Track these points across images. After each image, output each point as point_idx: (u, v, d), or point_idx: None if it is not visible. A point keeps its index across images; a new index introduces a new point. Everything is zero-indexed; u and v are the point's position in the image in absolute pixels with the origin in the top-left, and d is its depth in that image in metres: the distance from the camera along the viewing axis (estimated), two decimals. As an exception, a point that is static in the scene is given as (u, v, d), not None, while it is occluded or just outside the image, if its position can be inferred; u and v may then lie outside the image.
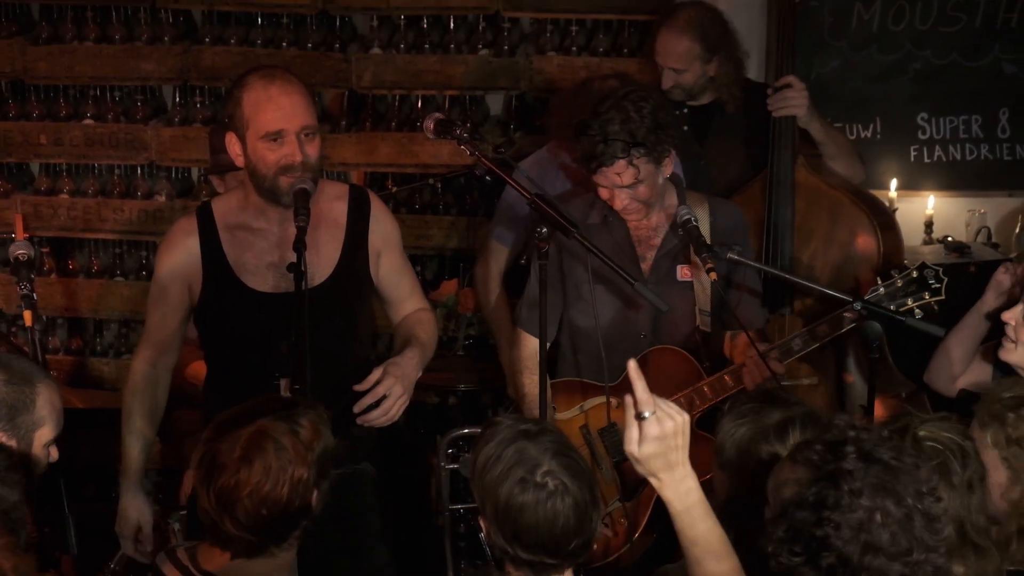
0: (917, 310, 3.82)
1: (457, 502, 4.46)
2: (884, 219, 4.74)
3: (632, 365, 2.55)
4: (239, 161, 3.68)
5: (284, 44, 5.76)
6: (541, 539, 2.70)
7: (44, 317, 5.86)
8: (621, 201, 3.91)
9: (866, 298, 3.84)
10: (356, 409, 3.64)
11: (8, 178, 6.01)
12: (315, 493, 2.92)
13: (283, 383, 3.38)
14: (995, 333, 4.01)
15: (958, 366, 4.01)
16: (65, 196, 5.91)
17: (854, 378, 4.67)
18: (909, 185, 5.53)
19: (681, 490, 2.56)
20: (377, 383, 3.64)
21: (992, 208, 5.48)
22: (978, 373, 4.00)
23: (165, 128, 5.83)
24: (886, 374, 4.41)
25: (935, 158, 5.59)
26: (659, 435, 2.50)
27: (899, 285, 3.84)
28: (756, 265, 4.11)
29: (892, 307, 3.82)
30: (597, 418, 4.07)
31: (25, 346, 4.92)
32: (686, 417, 2.56)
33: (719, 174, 4.81)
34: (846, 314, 3.90)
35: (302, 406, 2.98)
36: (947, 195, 5.55)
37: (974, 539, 2.78)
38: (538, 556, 2.70)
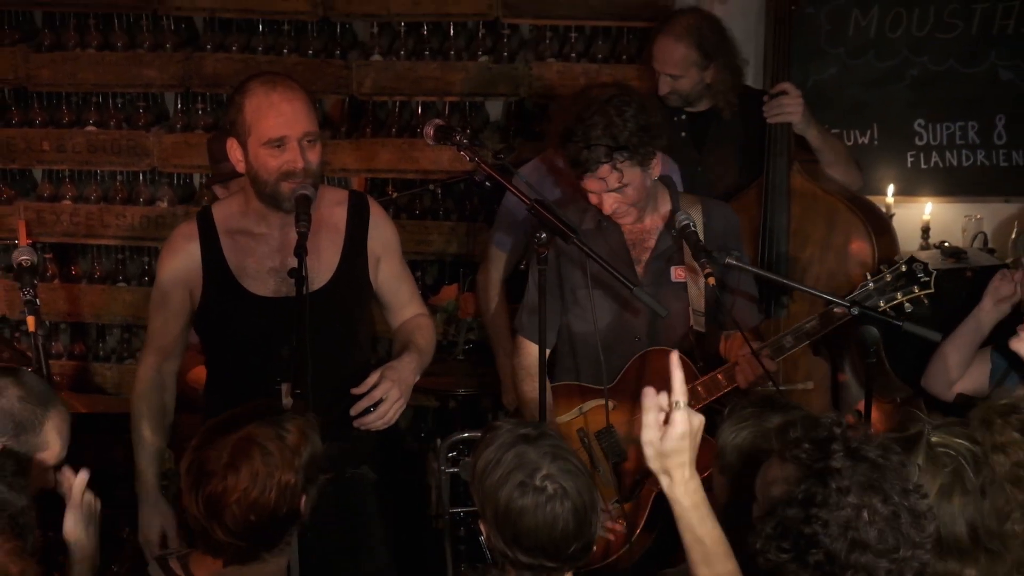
0: (907, 304, 3.82)
1: (457, 505, 4.46)
2: (879, 224, 4.75)
3: (674, 356, 2.62)
4: (240, 167, 3.68)
5: (285, 51, 5.76)
6: (541, 542, 2.70)
7: (47, 322, 5.86)
8: (609, 205, 3.92)
9: (855, 293, 3.85)
10: (353, 412, 3.65)
11: (11, 184, 6.02)
12: (304, 498, 2.92)
13: (284, 387, 3.38)
14: (992, 338, 4.03)
15: (955, 371, 4.02)
16: (68, 202, 5.92)
17: (848, 378, 4.67)
18: (906, 191, 5.54)
19: (690, 488, 2.59)
20: (374, 387, 3.65)
21: (988, 214, 5.48)
22: (975, 378, 4.01)
23: (167, 135, 5.83)
24: (883, 379, 4.42)
25: (932, 164, 5.59)
26: (685, 432, 2.54)
27: (888, 280, 3.84)
28: (754, 270, 4.12)
29: (882, 302, 3.83)
30: (594, 421, 4.07)
31: (28, 351, 4.93)
32: (702, 419, 2.59)
33: (717, 180, 4.82)
34: (835, 311, 3.90)
35: (289, 412, 2.99)
36: (944, 201, 5.56)
37: (986, 543, 2.78)
38: (538, 559, 2.71)
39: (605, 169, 3.83)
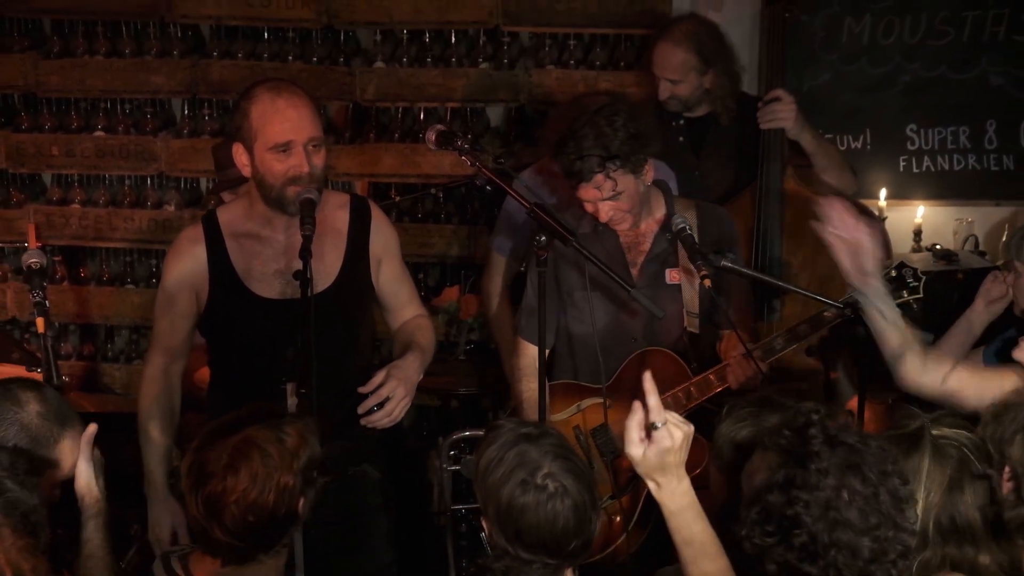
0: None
1: (458, 502, 4.47)
2: (871, 228, 4.75)
3: (647, 377, 2.63)
4: (246, 171, 3.68)
5: (290, 58, 5.77)
6: (542, 539, 2.71)
7: (56, 324, 5.87)
8: (605, 213, 3.93)
9: (846, 298, 3.85)
10: (360, 410, 3.65)
11: (21, 188, 6.02)
12: (302, 500, 2.92)
13: (289, 387, 3.38)
14: (983, 339, 4.03)
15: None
16: (77, 206, 5.92)
17: (840, 378, 4.67)
18: (899, 194, 5.54)
19: (677, 493, 2.61)
20: (380, 385, 3.65)
21: (979, 217, 5.49)
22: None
23: (174, 140, 5.84)
24: (878, 380, 4.42)
25: (924, 168, 5.60)
26: (668, 448, 2.56)
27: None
28: (749, 272, 4.12)
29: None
30: (589, 419, 4.08)
31: (38, 352, 4.93)
32: (691, 428, 2.61)
33: (715, 184, 4.82)
34: (826, 314, 3.91)
35: (289, 415, 2.99)
36: (936, 204, 5.56)
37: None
38: (538, 556, 2.71)
39: (599, 178, 3.84)
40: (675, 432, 2.58)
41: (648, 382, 2.62)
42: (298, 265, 3.41)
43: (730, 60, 4.85)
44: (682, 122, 4.87)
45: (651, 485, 2.62)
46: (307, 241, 3.43)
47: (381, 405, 3.65)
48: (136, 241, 5.89)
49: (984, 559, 2.74)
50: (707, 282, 3.73)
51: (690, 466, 2.72)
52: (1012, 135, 5.53)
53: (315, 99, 3.78)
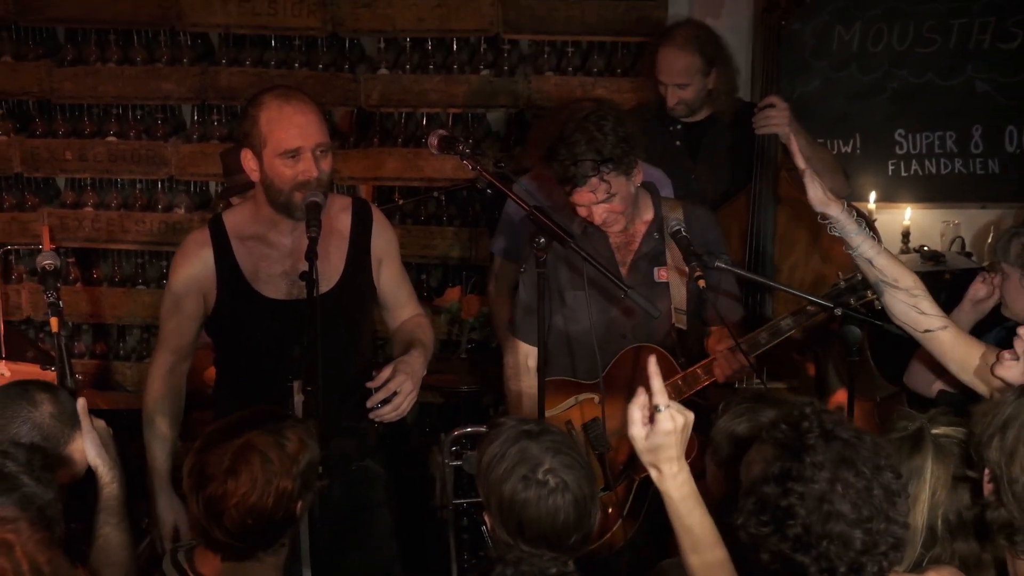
0: (877, 302, 3.81)
1: (460, 497, 4.46)
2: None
3: (652, 361, 2.64)
4: (255, 176, 3.67)
5: (296, 65, 5.77)
6: (543, 533, 2.71)
7: (70, 323, 5.87)
8: (600, 216, 3.93)
9: (828, 292, 3.85)
10: (369, 404, 3.64)
11: (36, 192, 6.02)
12: (300, 503, 2.92)
13: (295, 385, 3.38)
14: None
15: (936, 369, 4.01)
16: (89, 209, 5.92)
17: (831, 376, 4.67)
18: (887, 197, 5.55)
19: (678, 481, 2.60)
20: (388, 380, 3.65)
21: (966, 219, 5.49)
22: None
23: (184, 144, 5.84)
24: (866, 378, 4.41)
25: (912, 172, 5.60)
26: (670, 430, 2.56)
27: (859, 279, 3.83)
28: (742, 272, 4.13)
29: (853, 300, 3.83)
30: (580, 414, 4.08)
31: (52, 351, 4.94)
32: (691, 416, 2.60)
33: (711, 188, 4.82)
34: (809, 308, 3.91)
35: (290, 419, 2.99)
36: (923, 207, 5.57)
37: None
38: (540, 549, 2.71)
39: (594, 182, 3.85)
40: (677, 417, 2.58)
41: (652, 365, 2.62)
42: (304, 266, 3.40)
43: (728, 58, 4.87)
44: (679, 127, 4.87)
45: (653, 473, 2.61)
46: (313, 243, 3.42)
47: (388, 400, 3.65)
48: (147, 243, 5.89)
49: (986, 556, 2.73)
50: (702, 283, 3.73)
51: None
52: (997, 140, 5.53)
53: (320, 105, 3.77)
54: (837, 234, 3.48)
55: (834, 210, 3.45)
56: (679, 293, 4.05)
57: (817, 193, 3.46)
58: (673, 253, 4.02)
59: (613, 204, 3.91)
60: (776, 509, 2.37)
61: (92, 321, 6.00)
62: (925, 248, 5.15)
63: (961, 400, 3.45)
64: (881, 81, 5.53)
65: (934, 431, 2.78)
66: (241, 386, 3.80)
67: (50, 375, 4.52)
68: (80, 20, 5.87)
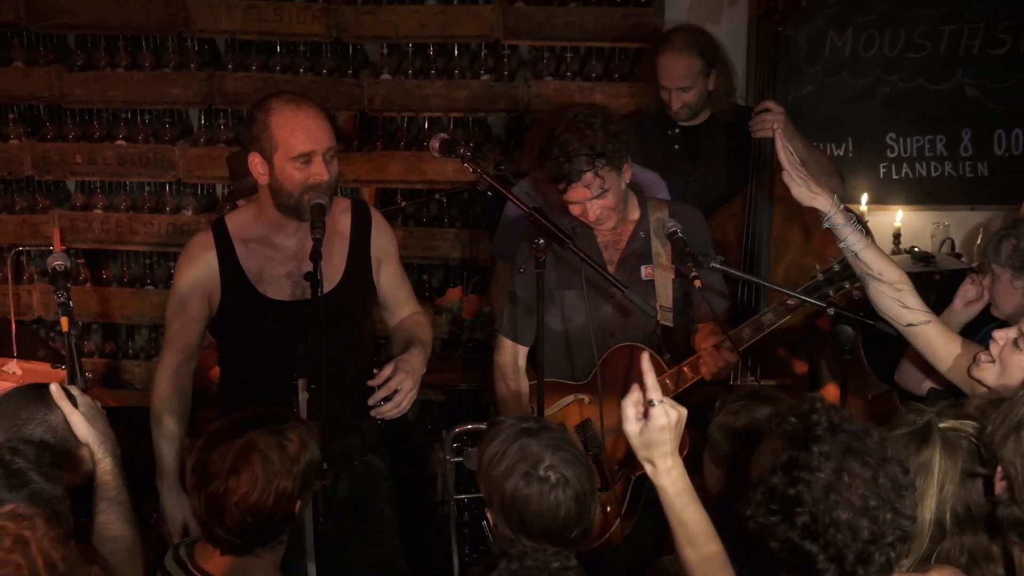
0: (855, 292, 3.81)
1: (461, 493, 4.45)
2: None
3: (645, 357, 2.63)
4: (263, 180, 3.65)
5: (301, 70, 5.76)
6: (545, 528, 2.71)
7: (80, 323, 5.87)
8: (594, 213, 3.93)
9: (805, 285, 3.85)
10: (370, 402, 3.64)
11: (46, 195, 6.02)
12: (299, 503, 2.92)
13: (300, 383, 3.38)
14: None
15: (926, 368, 4.00)
16: (99, 211, 5.91)
17: (824, 374, 4.67)
18: (879, 200, 5.54)
19: (673, 476, 2.60)
20: (389, 378, 3.65)
21: (956, 221, 5.49)
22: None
23: (191, 148, 5.83)
24: (859, 376, 4.41)
25: (903, 175, 5.60)
26: (664, 425, 2.55)
27: (836, 271, 3.83)
28: (738, 273, 4.13)
29: (831, 291, 3.83)
30: (573, 415, 4.08)
31: (62, 350, 4.93)
32: (684, 411, 2.60)
33: (709, 191, 4.82)
34: (789, 302, 3.90)
35: (292, 420, 2.98)
36: (914, 209, 5.56)
37: None
38: (542, 544, 2.70)
39: (588, 177, 3.85)
40: (671, 412, 2.57)
41: (646, 362, 2.61)
42: (308, 267, 3.39)
43: (726, 60, 4.88)
44: (677, 131, 4.87)
45: (648, 468, 2.61)
46: (318, 244, 3.42)
47: (389, 397, 3.64)
48: (155, 244, 5.88)
49: (995, 548, 2.71)
50: (697, 283, 3.72)
51: None
52: (986, 143, 5.53)
53: (325, 109, 3.76)
54: (828, 227, 3.48)
55: (821, 204, 3.46)
56: (665, 291, 4.05)
57: (800, 190, 3.47)
58: (664, 251, 4.02)
59: (607, 200, 3.91)
60: (784, 498, 2.37)
61: (101, 321, 6.00)
62: (916, 249, 5.14)
63: (951, 398, 3.44)
64: (873, 86, 5.53)
65: (942, 425, 2.76)
66: (245, 386, 3.79)
67: (60, 373, 4.53)
68: (90, 26, 5.86)
